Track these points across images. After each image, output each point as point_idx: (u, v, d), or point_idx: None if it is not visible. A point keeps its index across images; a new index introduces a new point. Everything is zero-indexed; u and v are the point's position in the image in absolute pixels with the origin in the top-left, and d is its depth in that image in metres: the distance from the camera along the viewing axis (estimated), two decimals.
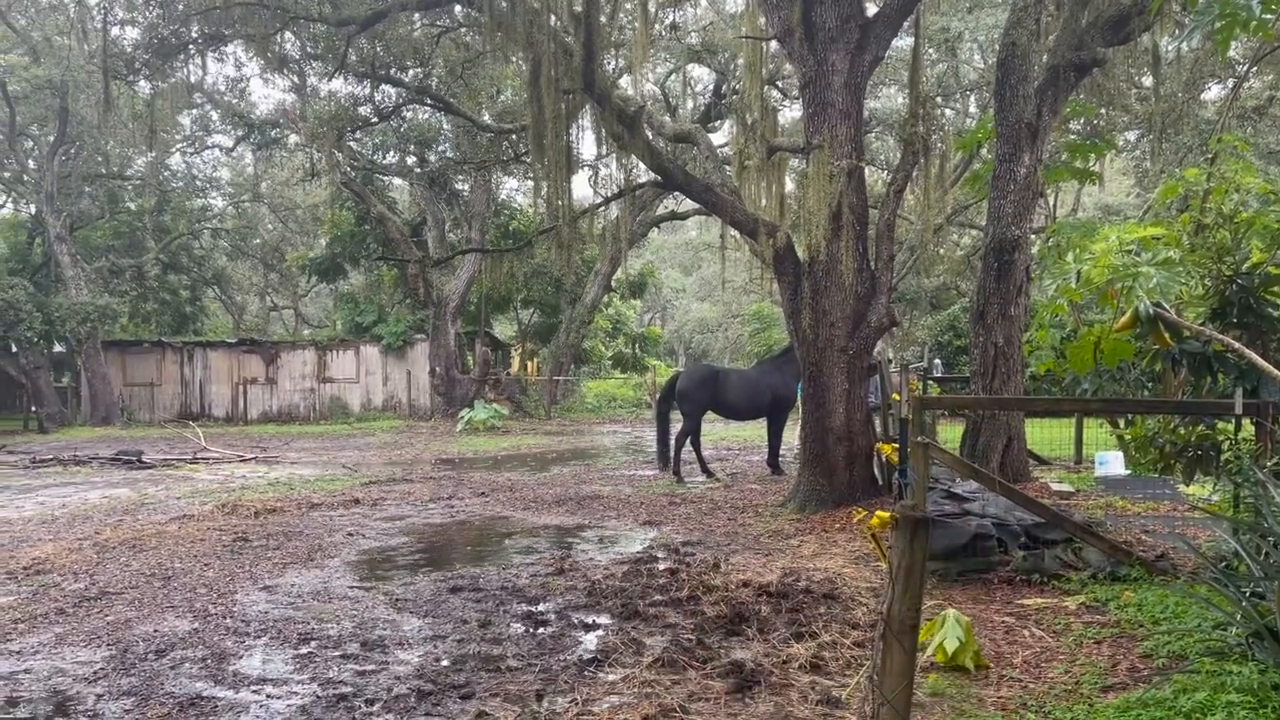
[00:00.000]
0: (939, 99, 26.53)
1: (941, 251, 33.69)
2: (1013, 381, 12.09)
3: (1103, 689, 5.03)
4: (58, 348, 34.39)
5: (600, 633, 6.45)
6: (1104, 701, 4.83)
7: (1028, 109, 11.86)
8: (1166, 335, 6.62)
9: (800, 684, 5.28)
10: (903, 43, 22.80)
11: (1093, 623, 6.22)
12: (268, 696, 5.34)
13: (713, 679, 5.40)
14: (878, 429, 12.30)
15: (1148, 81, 24.37)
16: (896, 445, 9.30)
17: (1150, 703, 4.63)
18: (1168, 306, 6.73)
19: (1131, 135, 29.46)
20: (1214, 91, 26.79)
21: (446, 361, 32.70)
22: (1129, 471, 12.62)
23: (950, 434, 16.16)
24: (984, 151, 19.05)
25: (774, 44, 13.42)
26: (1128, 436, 13.40)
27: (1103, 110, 19.75)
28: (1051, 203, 32.92)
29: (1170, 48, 16.39)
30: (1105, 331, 7.15)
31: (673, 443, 15.31)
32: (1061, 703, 4.86)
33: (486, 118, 28.04)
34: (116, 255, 39.63)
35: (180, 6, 17.23)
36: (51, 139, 33.40)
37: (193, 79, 22.46)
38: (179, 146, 40.23)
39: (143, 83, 21.05)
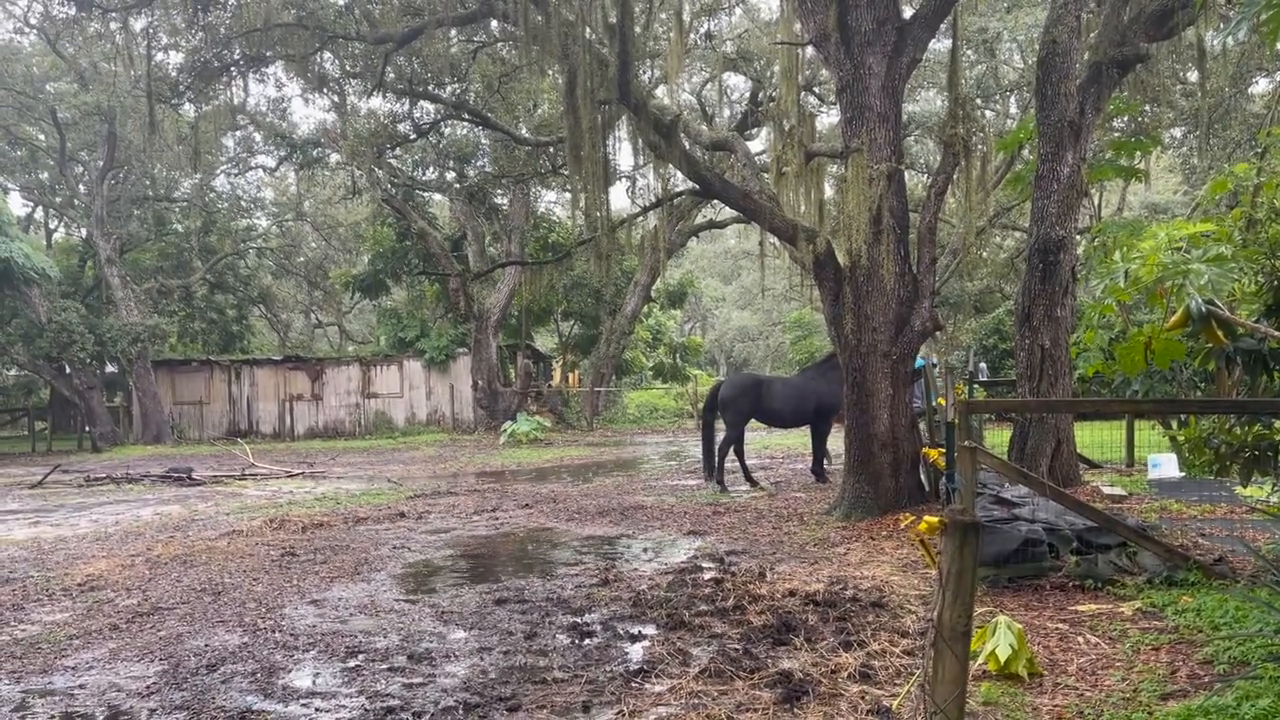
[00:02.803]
0: (978, 100, 26.27)
1: (984, 254, 33.31)
2: (1060, 384, 11.90)
3: (1162, 696, 4.91)
4: (109, 368, 35.11)
5: (646, 643, 6.42)
6: (1164, 709, 4.71)
7: (1070, 107, 11.70)
8: (1220, 333, 6.45)
9: (849, 694, 5.21)
10: (940, 45, 22.65)
11: (1150, 629, 6.07)
12: (317, 710, 5.36)
13: (760, 689, 5.34)
14: (923, 434, 12.17)
15: (1193, 76, 23.96)
16: (943, 450, 9.18)
17: (1212, 710, 4.50)
18: (1220, 304, 6.56)
19: (1177, 131, 28.96)
20: (1262, 85, 26.26)
21: (489, 375, 32.90)
22: (1183, 474, 12.37)
23: (997, 438, 15.93)
24: (1025, 152, 18.81)
25: (810, 49, 13.38)
26: (1181, 438, 13.10)
27: (1147, 107, 19.42)
28: (1096, 202, 32.45)
29: (1216, 41, 16.08)
30: (1156, 331, 6.98)
31: (719, 450, 15.27)
32: (1120, 711, 4.75)
33: (524, 131, 28.24)
34: (165, 276, 40.41)
35: (222, 30, 17.56)
36: (100, 164, 34.17)
37: (235, 101, 22.84)
38: (223, 168, 40.99)
39: (188, 106, 21.48)
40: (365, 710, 5.31)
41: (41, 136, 36.45)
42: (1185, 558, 7.13)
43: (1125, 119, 19.24)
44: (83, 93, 32.15)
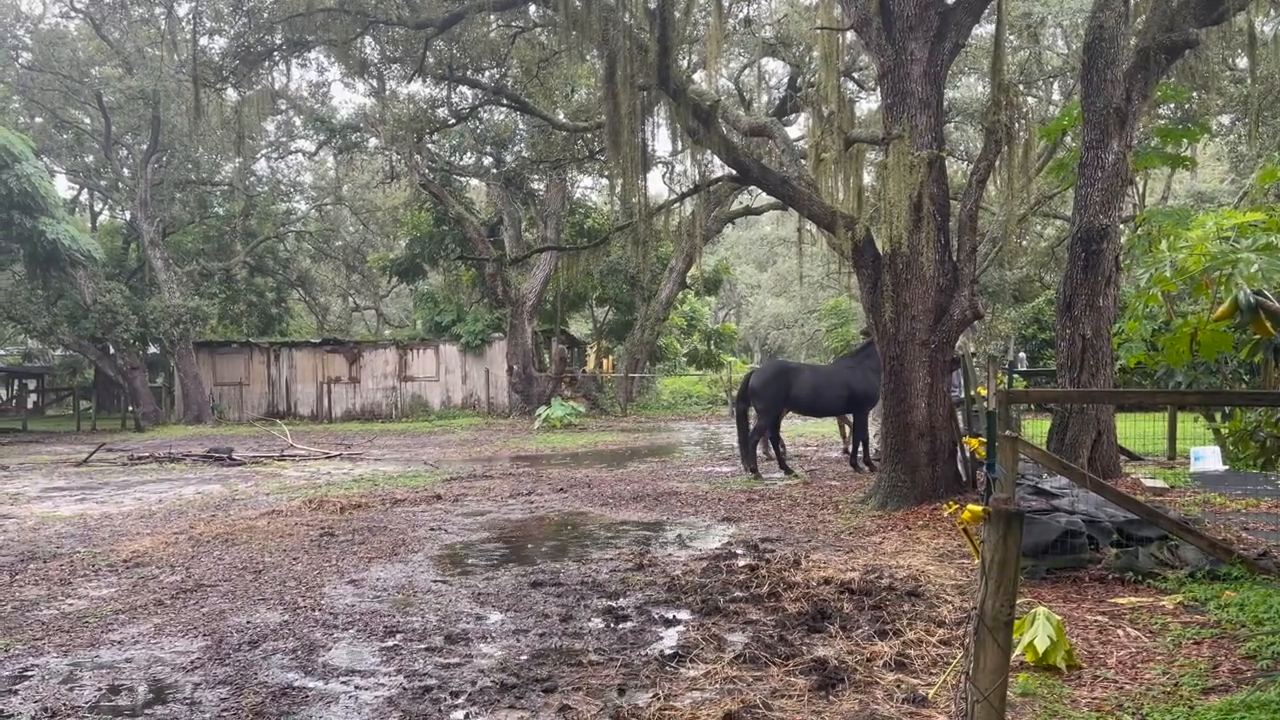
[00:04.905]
0: (1021, 86, 25.91)
1: (1024, 243, 32.92)
2: (1101, 374, 11.75)
3: (1203, 691, 4.85)
4: (152, 349, 35.72)
5: (681, 628, 6.44)
6: (1205, 704, 4.65)
7: (1116, 93, 11.50)
8: (1269, 324, 6.35)
9: (885, 682, 5.20)
10: (983, 29, 22.36)
11: (1191, 623, 6.00)
12: (356, 687, 5.44)
13: (795, 676, 5.34)
14: (960, 424, 12.07)
15: (1242, 63, 23.49)
16: (984, 440, 9.10)
17: (1254, 705, 4.45)
18: (1269, 294, 6.45)
19: (1225, 119, 28.41)
20: None
21: (524, 359, 33.05)
22: (1227, 467, 12.18)
23: (1035, 429, 15.77)
24: (1068, 139, 18.56)
25: (850, 34, 13.24)
26: (1225, 430, 12.95)
27: (1195, 94, 19.08)
28: (1140, 190, 31.96)
29: (1267, 28, 15.75)
30: (1202, 322, 6.89)
31: (748, 440, 15.24)
32: (1160, 705, 4.70)
33: (561, 116, 28.24)
34: (206, 259, 40.97)
35: (265, 14, 17.71)
36: (145, 147, 34.65)
37: (277, 85, 23.09)
38: (264, 152, 41.42)
39: (230, 90, 21.72)
40: (403, 689, 5.38)
41: (87, 120, 37.06)
42: (1228, 551, 7.03)
43: (1172, 106, 18.92)
44: (128, 77, 32.61)
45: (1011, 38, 25.10)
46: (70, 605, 7.53)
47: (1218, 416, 13.40)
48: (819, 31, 12.83)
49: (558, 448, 21.98)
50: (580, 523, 11.20)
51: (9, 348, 46.59)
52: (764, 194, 27.65)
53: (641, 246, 14.23)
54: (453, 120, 28.66)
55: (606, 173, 30.93)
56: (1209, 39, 14.31)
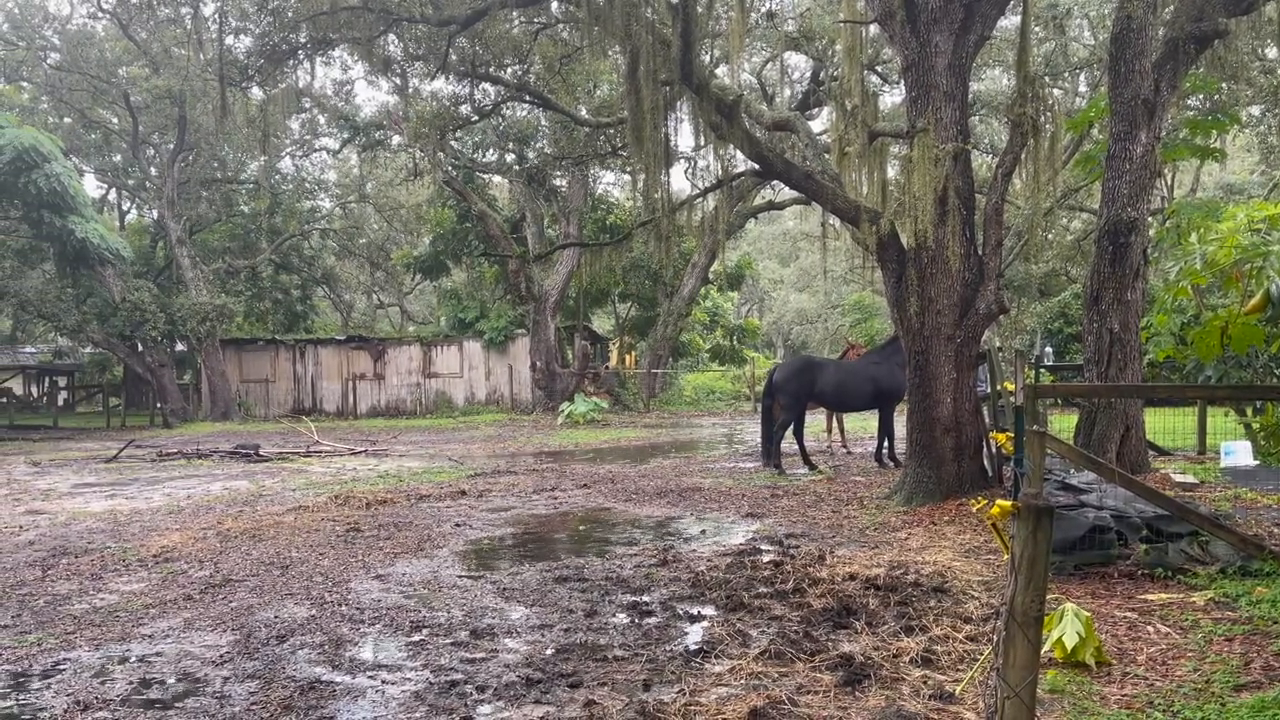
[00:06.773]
0: (1047, 78, 25.67)
1: (1050, 236, 32.63)
2: (1130, 369, 11.63)
3: (1235, 688, 4.80)
4: (179, 346, 36.01)
5: (705, 624, 6.44)
6: (1237, 701, 4.61)
7: (1144, 85, 11.37)
8: None
9: (911, 678, 5.17)
10: (1008, 21, 22.18)
11: (1223, 619, 5.94)
12: (383, 682, 5.47)
13: (821, 671, 5.33)
14: (986, 419, 11.99)
15: (1272, 53, 23.19)
16: (1010, 435, 9.04)
17: None
18: None
19: (1255, 110, 28.02)
20: None
21: (547, 356, 33.10)
22: (1258, 462, 12.04)
23: (1062, 424, 15.64)
24: (1095, 131, 18.37)
25: (873, 28, 13.17)
26: (1256, 425, 12.79)
27: (1224, 84, 18.83)
28: (1168, 183, 31.62)
29: None
30: (1233, 315, 6.80)
31: (772, 435, 15.22)
32: (1191, 702, 4.65)
33: (584, 112, 28.21)
34: (232, 256, 41.30)
35: (289, 13, 17.82)
36: (171, 146, 34.97)
37: (301, 84, 23.21)
38: (289, 150, 41.67)
39: (255, 89, 21.89)
40: (429, 683, 5.41)
41: (115, 120, 37.42)
42: (1260, 547, 6.94)
43: (1201, 96, 18.68)
44: (154, 77, 32.92)
45: (1037, 29, 24.86)
46: (101, 599, 7.62)
47: (1249, 411, 13.24)
48: (842, 25, 12.76)
49: (581, 444, 22.02)
50: (604, 518, 11.21)
51: (39, 345, 47.17)
52: (787, 189, 27.55)
53: (664, 242, 14.20)
54: (475, 117, 28.69)
55: (629, 168, 30.91)
56: (1238, 29, 14.11)
